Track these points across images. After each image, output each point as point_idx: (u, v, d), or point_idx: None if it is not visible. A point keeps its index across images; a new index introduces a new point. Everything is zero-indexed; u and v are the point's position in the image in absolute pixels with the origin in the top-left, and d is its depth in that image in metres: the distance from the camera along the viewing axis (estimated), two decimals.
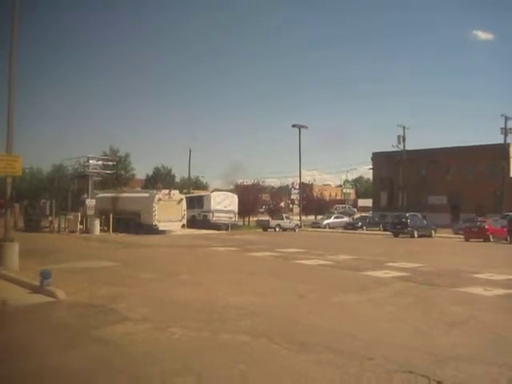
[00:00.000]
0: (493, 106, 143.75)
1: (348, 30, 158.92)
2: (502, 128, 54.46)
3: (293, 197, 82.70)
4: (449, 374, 6.25)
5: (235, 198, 49.12)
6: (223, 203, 43.51)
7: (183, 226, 40.30)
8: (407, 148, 60.87)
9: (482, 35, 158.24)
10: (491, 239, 35.40)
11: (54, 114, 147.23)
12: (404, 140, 60.07)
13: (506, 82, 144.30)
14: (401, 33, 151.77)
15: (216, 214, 42.37)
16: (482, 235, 36.06)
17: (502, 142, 55.26)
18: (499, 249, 30.41)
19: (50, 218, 38.14)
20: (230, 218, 46.19)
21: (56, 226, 37.72)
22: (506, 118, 54.08)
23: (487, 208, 52.79)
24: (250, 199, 53.39)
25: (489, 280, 14.95)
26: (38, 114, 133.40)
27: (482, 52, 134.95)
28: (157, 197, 37.69)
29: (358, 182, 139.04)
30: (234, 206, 48.13)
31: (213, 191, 49.58)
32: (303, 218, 58.03)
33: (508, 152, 56.76)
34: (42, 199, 40.78)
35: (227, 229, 44.82)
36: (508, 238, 34.02)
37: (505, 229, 35.10)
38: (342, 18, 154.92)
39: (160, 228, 37.35)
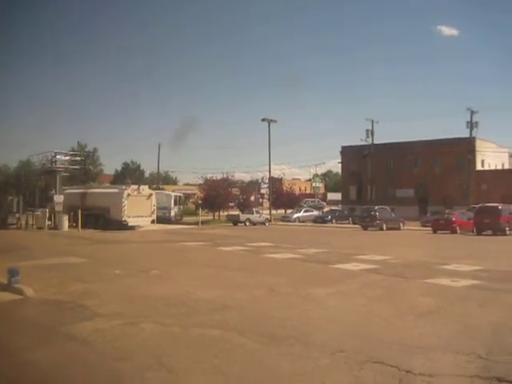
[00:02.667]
0: (459, 100, 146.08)
1: (314, 22, 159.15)
2: (467, 122, 55.24)
3: (262, 191, 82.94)
4: (418, 363, 6.34)
5: (170, 196, 53.60)
6: (158, 201, 43.65)
7: (153, 221, 40.15)
8: (375, 142, 61.43)
9: (447, 31, 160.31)
10: (458, 231, 36.02)
11: (21, 110, 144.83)
12: (372, 134, 60.59)
13: (471, 77, 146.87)
14: (366, 25, 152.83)
15: None
16: (449, 227, 36.64)
17: (468, 135, 56.08)
18: (466, 240, 30.92)
19: (17, 215, 37.59)
20: (164, 213, 47.74)
21: (23, 222, 37.18)
22: (472, 112, 54.85)
23: (454, 201, 53.63)
24: (220, 193, 53.45)
25: (456, 271, 15.20)
26: (4, 109, 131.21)
27: (446, 47, 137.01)
28: (126, 192, 37.45)
29: (326, 176, 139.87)
30: (169, 204, 51.28)
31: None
32: (273, 212, 58.26)
33: (474, 145, 57.72)
34: (9, 196, 40.19)
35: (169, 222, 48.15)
36: (474, 230, 34.62)
37: (471, 221, 35.70)
38: (309, 10, 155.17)
39: (129, 223, 37.12)
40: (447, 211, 41.46)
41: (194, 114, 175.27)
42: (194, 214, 53.75)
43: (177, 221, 50.17)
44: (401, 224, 42.32)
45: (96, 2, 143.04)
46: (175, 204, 52.22)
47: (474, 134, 56.19)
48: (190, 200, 72.60)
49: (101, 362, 6.50)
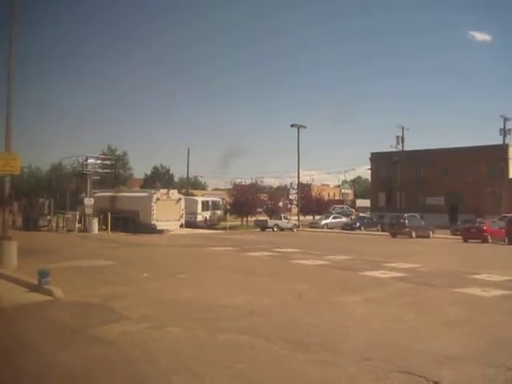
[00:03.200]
0: (491, 106, 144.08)
1: (346, 30, 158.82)
2: (500, 129, 54.45)
3: (291, 197, 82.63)
4: (446, 374, 6.25)
5: (197, 201, 52.86)
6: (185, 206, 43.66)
7: (181, 225, 40.37)
8: (405, 149, 60.83)
9: (479, 36, 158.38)
10: (489, 240, 35.40)
11: (53, 113, 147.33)
12: (402, 140, 60.03)
13: (504, 83, 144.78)
14: (397, 33, 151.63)
15: None
16: (480, 236, 36.04)
17: (500, 142, 55.26)
18: (497, 250, 30.43)
19: (48, 217, 38.17)
20: (190, 218, 47.20)
21: (54, 224, 37.75)
22: (505, 119, 54.05)
23: (485, 209, 52.77)
24: (249, 199, 53.45)
25: (487, 281, 14.95)
26: (37, 112, 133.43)
27: (480, 53, 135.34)
28: (155, 196, 37.74)
29: (356, 183, 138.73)
30: (195, 209, 50.38)
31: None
32: (301, 218, 58.04)
33: (507, 153, 56.72)
34: (41, 198, 40.77)
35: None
36: (506, 240, 34.02)
37: (503, 230, 35.12)
38: (339, 18, 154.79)
39: (158, 227, 37.38)
40: (478, 220, 40.78)
41: (221, 118, 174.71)
42: (223, 219, 53.88)
43: (208, 226, 50.16)
44: (430, 232, 41.74)
45: (128, 5, 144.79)
46: (204, 209, 52.23)
47: (506, 141, 55.35)
48: None
49: (127, 365, 6.55)
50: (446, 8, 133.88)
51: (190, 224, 45.90)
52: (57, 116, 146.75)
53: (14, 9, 16.26)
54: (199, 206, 51.22)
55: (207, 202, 54.06)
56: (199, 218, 50.52)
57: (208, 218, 51.74)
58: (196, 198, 56.46)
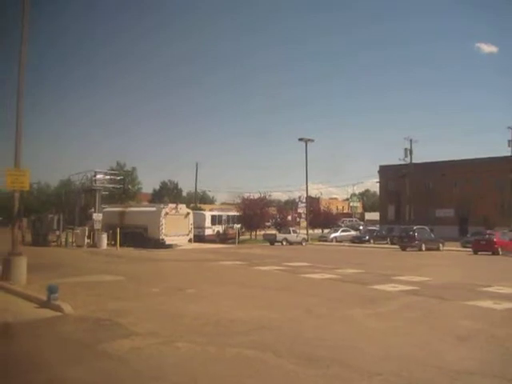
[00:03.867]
0: (499, 118, 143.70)
1: (352, 42, 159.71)
2: (509, 140, 54.46)
3: (300, 210, 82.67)
4: None
5: (205, 215, 53.19)
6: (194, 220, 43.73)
7: (190, 240, 40.33)
8: (414, 161, 60.77)
9: (486, 48, 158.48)
10: (500, 252, 35.15)
11: (62, 129, 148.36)
12: (411, 153, 59.99)
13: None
14: (404, 45, 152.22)
15: None
16: (490, 248, 35.80)
17: (509, 154, 55.11)
18: (508, 262, 30.21)
19: (57, 233, 38.26)
20: (199, 232, 47.52)
21: (63, 240, 37.80)
22: None
23: (495, 221, 52.54)
24: (257, 213, 53.42)
25: (498, 293, 14.84)
26: (46, 128, 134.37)
27: (486, 65, 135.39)
28: (164, 211, 37.78)
29: (364, 196, 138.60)
30: (203, 223, 50.40)
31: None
32: (310, 231, 57.93)
33: None
34: (50, 214, 40.88)
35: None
36: None
37: None
38: (346, 29, 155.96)
39: (167, 242, 37.40)
40: (488, 231, 40.54)
41: (229, 132, 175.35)
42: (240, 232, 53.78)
43: (220, 240, 50.02)
44: (440, 245, 41.53)
45: (136, 17, 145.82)
46: (214, 223, 52.21)
47: None
48: None
49: (136, 381, 6.52)
50: (452, 20, 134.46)
51: (199, 238, 45.95)
52: (66, 132, 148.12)
53: (24, 28, 16.36)
54: (207, 220, 51.24)
55: (219, 216, 54.05)
56: (208, 232, 50.51)
57: (221, 231, 51.70)
58: (204, 212, 56.58)
